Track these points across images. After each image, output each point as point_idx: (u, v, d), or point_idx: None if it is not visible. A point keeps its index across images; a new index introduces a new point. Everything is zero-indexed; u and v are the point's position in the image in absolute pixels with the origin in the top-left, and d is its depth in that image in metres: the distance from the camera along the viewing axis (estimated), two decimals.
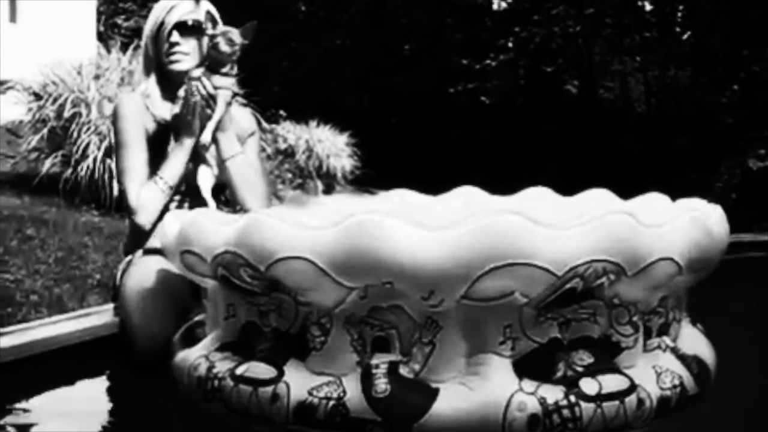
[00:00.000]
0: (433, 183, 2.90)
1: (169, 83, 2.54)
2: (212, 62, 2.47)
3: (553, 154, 11.13)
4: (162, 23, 2.52)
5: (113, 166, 5.64)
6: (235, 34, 2.46)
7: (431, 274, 1.48)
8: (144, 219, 2.41)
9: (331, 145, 9.35)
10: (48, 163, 6.06)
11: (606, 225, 1.53)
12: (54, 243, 4.59)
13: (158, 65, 2.56)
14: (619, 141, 11.36)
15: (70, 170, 5.87)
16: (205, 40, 2.48)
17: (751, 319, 2.86)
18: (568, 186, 2.51)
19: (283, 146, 9.04)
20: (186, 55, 2.52)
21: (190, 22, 2.52)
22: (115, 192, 5.70)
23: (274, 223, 1.58)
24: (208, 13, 2.48)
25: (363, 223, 1.49)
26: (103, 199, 5.78)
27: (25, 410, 1.96)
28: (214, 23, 2.47)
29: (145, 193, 2.42)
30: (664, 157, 9.93)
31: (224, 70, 2.47)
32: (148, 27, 2.55)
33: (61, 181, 5.86)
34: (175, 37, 2.51)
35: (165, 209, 2.42)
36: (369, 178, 9.67)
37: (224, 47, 2.44)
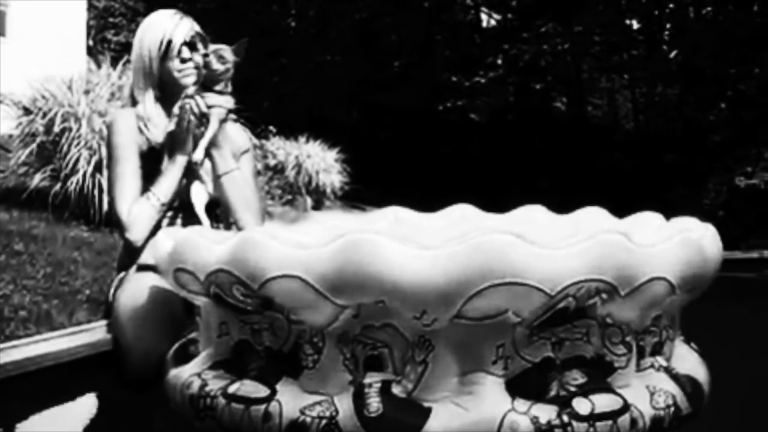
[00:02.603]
0: (423, 199, 2.91)
1: (169, 100, 2.54)
2: (206, 80, 2.48)
3: (543, 170, 11.17)
4: (170, 41, 2.52)
5: (103, 181, 5.62)
6: (226, 51, 2.47)
7: (424, 293, 1.48)
8: (135, 235, 2.40)
9: (320, 161, 9.36)
10: (37, 177, 6.02)
11: (599, 245, 1.53)
12: (43, 258, 4.55)
13: (160, 82, 2.56)
14: (608, 157, 11.42)
15: (59, 185, 5.82)
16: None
17: (743, 337, 2.87)
18: (557, 202, 2.52)
19: (272, 162, 9.04)
20: (196, 69, 2.53)
21: (188, 39, 2.54)
22: (105, 207, 5.67)
23: (267, 241, 1.58)
24: (199, 32, 2.50)
25: (356, 242, 1.49)
26: (92, 215, 5.73)
27: (17, 428, 1.95)
28: (205, 43, 2.48)
29: (137, 210, 2.41)
30: (653, 173, 9.98)
31: (218, 87, 2.48)
32: (152, 45, 2.53)
33: (50, 196, 5.82)
34: (186, 53, 2.53)
35: (158, 226, 2.41)
36: (358, 194, 9.67)
37: (216, 65, 2.45)
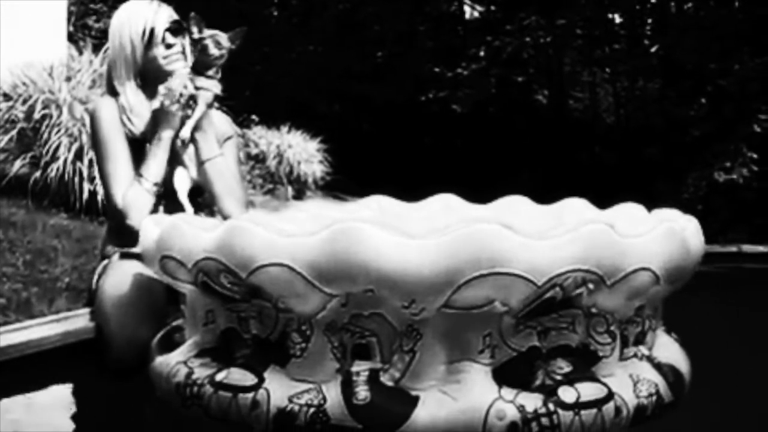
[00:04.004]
0: (404, 190, 2.91)
1: (150, 88, 2.53)
2: (199, 65, 2.47)
3: (523, 162, 11.21)
4: (152, 28, 2.52)
5: (83, 168, 5.59)
6: (223, 38, 2.47)
7: (413, 283, 1.48)
8: (135, 221, 2.34)
9: (302, 151, 9.34)
10: (17, 164, 5.96)
11: (586, 235, 1.55)
12: (23, 245, 4.52)
13: (142, 71, 2.55)
14: (589, 151, 11.48)
15: (39, 172, 5.78)
16: (187, 40, 2.49)
17: (719, 328, 2.91)
18: (538, 194, 2.54)
19: (254, 151, 9.01)
20: (182, 54, 2.53)
21: (169, 25, 2.54)
22: (85, 195, 5.64)
23: (256, 229, 1.58)
24: (195, 17, 2.48)
25: (345, 230, 1.50)
26: (72, 202, 5.70)
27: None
28: (200, 27, 2.47)
29: (131, 196, 2.40)
30: (632, 167, 10.04)
31: (210, 72, 2.48)
32: (135, 34, 2.52)
33: (30, 183, 5.78)
34: (170, 38, 2.52)
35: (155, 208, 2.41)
36: (339, 184, 9.66)
37: (213, 50, 2.45)
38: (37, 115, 5.81)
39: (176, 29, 2.54)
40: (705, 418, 1.95)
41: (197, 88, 2.46)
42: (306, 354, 1.60)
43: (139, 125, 2.51)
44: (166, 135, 2.46)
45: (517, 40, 11.10)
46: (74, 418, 2.01)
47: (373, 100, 12.79)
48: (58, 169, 5.65)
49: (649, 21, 12.10)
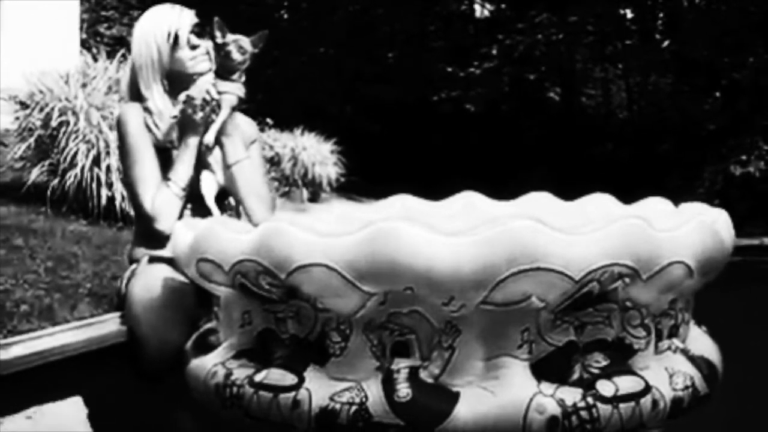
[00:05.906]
0: (419, 190, 2.92)
1: (176, 91, 2.54)
2: (222, 69, 2.49)
3: (537, 160, 11.19)
4: (177, 30, 2.53)
5: (101, 174, 5.61)
6: (245, 42, 2.48)
7: (452, 280, 1.49)
8: (164, 225, 2.39)
9: (316, 153, 9.34)
10: (35, 172, 5.98)
11: (622, 230, 1.55)
12: (43, 252, 4.54)
13: (168, 74, 2.56)
14: (602, 147, 11.45)
15: (57, 179, 5.81)
16: (210, 43, 2.51)
17: (746, 320, 2.90)
18: (553, 191, 2.55)
19: (269, 154, 9.02)
20: (207, 55, 2.54)
21: (192, 28, 2.56)
22: (103, 201, 5.66)
23: (294, 230, 1.59)
24: (218, 21, 2.50)
25: (383, 229, 1.50)
26: (91, 209, 5.72)
27: (32, 420, 1.95)
28: (224, 31, 2.48)
29: (160, 200, 2.42)
30: (647, 163, 10.02)
31: (234, 77, 2.49)
32: (160, 38, 2.53)
33: (48, 190, 5.80)
34: (195, 40, 2.55)
35: (182, 212, 2.43)
36: (354, 185, 9.67)
37: (236, 55, 2.46)
38: (54, 123, 5.83)
39: (199, 32, 2.56)
40: (730, 410, 1.95)
41: (220, 93, 2.48)
42: (345, 353, 1.61)
43: (164, 129, 2.52)
44: (192, 140, 2.48)
45: (529, 38, 11.10)
46: (108, 422, 2.02)
47: (384, 101, 12.80)
48: (76, 176, 5.66)
49: (661, 16, 12.07)
